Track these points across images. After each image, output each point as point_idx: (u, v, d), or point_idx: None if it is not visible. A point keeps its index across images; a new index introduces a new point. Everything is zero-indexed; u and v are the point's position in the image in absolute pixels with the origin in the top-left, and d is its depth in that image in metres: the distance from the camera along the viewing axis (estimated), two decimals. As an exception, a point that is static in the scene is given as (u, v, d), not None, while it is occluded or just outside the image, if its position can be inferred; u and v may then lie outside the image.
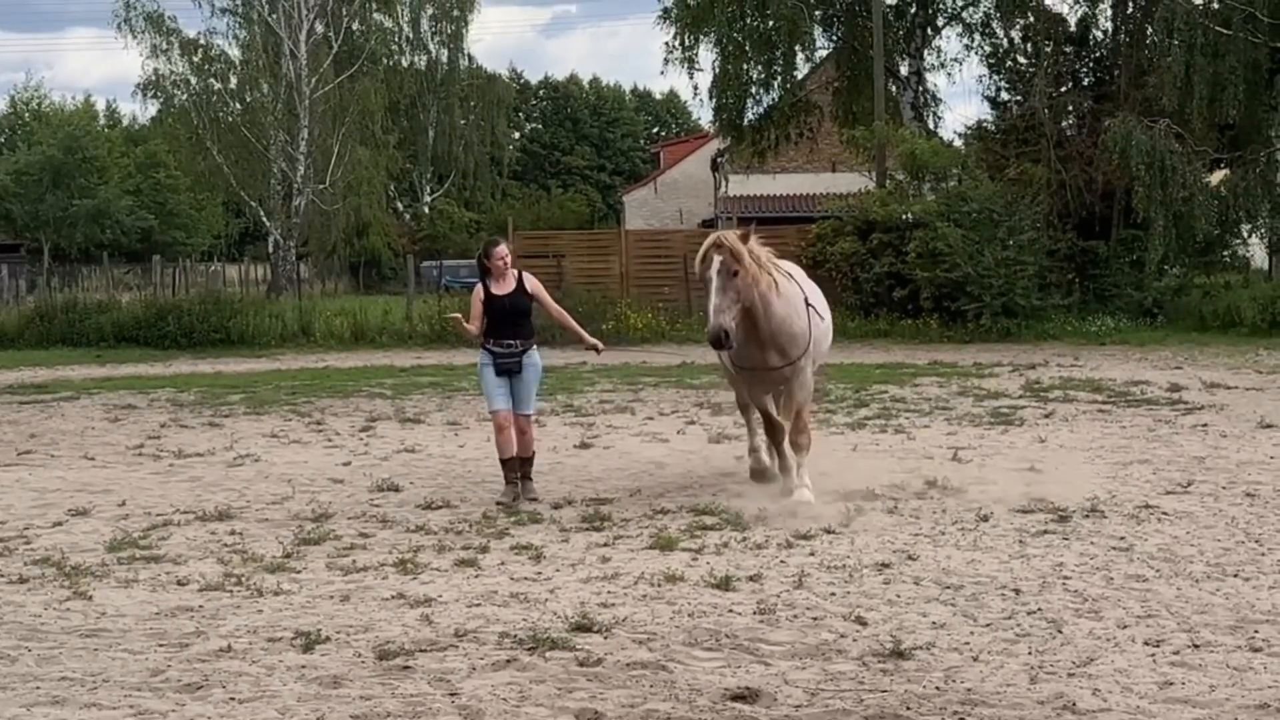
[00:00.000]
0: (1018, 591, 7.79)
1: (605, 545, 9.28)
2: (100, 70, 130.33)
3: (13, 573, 8.71)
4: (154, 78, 49.47)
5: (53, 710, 6.07)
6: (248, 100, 49.76)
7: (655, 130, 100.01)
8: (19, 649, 7.01)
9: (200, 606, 7.80)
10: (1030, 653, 6.64)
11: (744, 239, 10.25)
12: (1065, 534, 9.34)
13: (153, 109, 53.88)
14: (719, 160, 51.22)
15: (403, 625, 7.31)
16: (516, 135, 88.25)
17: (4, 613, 7.73)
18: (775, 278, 10.51)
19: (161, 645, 7.03)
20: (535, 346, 11.57)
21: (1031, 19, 34.28)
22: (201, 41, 49.84)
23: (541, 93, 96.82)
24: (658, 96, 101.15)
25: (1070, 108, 32.92)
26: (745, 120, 39.21)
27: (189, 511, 10.81)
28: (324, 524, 10.23)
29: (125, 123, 79.45)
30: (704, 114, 51.96)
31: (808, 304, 10.93)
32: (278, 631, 7.21)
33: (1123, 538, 9.18)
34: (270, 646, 6.96)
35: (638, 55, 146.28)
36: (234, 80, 50.20)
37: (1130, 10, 32.82)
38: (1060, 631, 6.99)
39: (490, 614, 7.51)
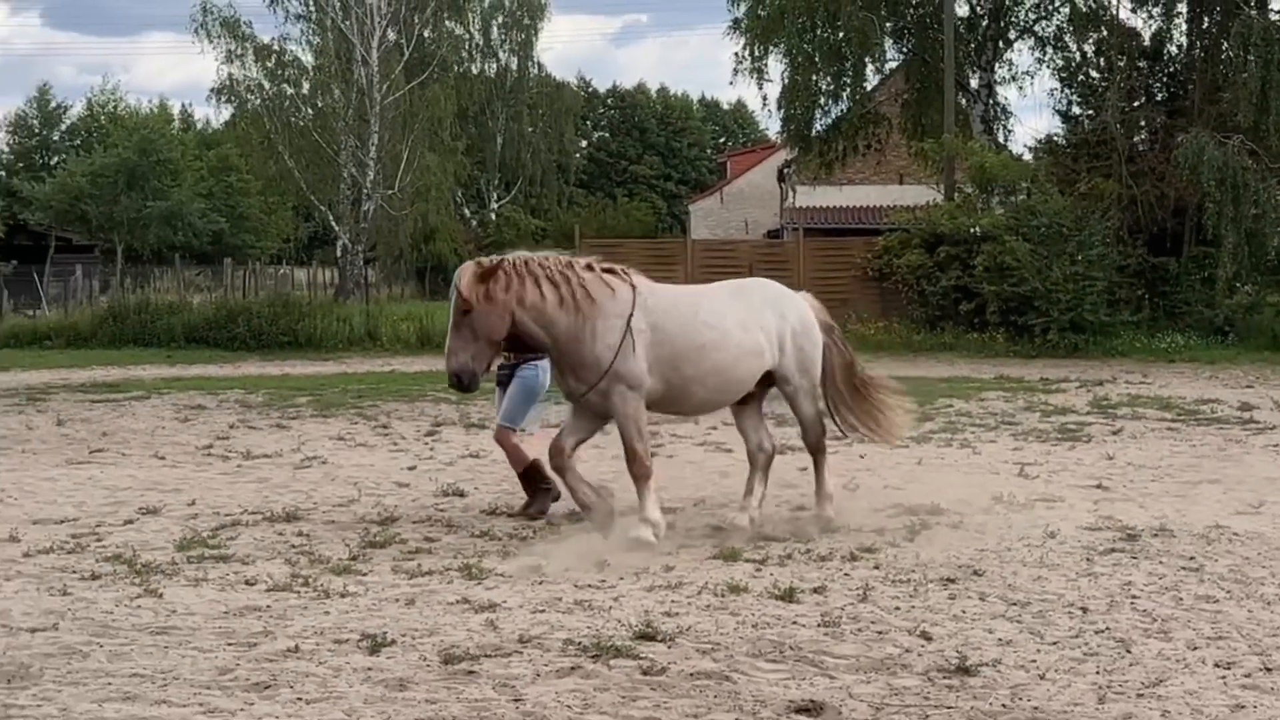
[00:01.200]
0: (1085, 610, 7.72)
1: (668, 554, 9.27)
2: (176, 74, 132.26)
3: (85, 569, 8.83)
4: (228, 82, 50.07)
5: (124, 706, 6.14)
6: (319, 105, 50.23)
7: (722, 140, 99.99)
8: (91, 645, 7.09)
9: (268, 606, 7.87)
10: (1098, 672, 6.58)
11: (487, 274, 9.60)
12: (1134, 553, 9.24)
13: (226, 113, 54.60)
14: (786, 171, 51.16)
15: (467, 630, 7.35)
16: (584, 143, 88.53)
17: (76, 608, 7.83)
18: (578, 299, 9.74)
19: (230, 644, 7.10)
20: (538, 363, 11.18)
21: (1105, 33, 34.06)
22: (275, 47, 50.39)
23: (609, 101, 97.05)
24: (725, 106, 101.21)
25: (1143, 123, 32.68)
26: (813, 131, 39.20)
27: (257, 512, 10.91)
28: (389, 527, 10.30)
29: (199, 126, 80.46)
30: (772, 124, 51.84)
31: (629, 324, 9.76)
32: (344, 633, 7.26)
33: (1192, 558, 9.07)
34: (337, 648, 7.01)
35: (707, 65, 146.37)
36: (306, 86, 50.71)
37: (1206, 25, 32.51)
38: (1129, 651, 6.92)
39: (554, 620, 7.53)
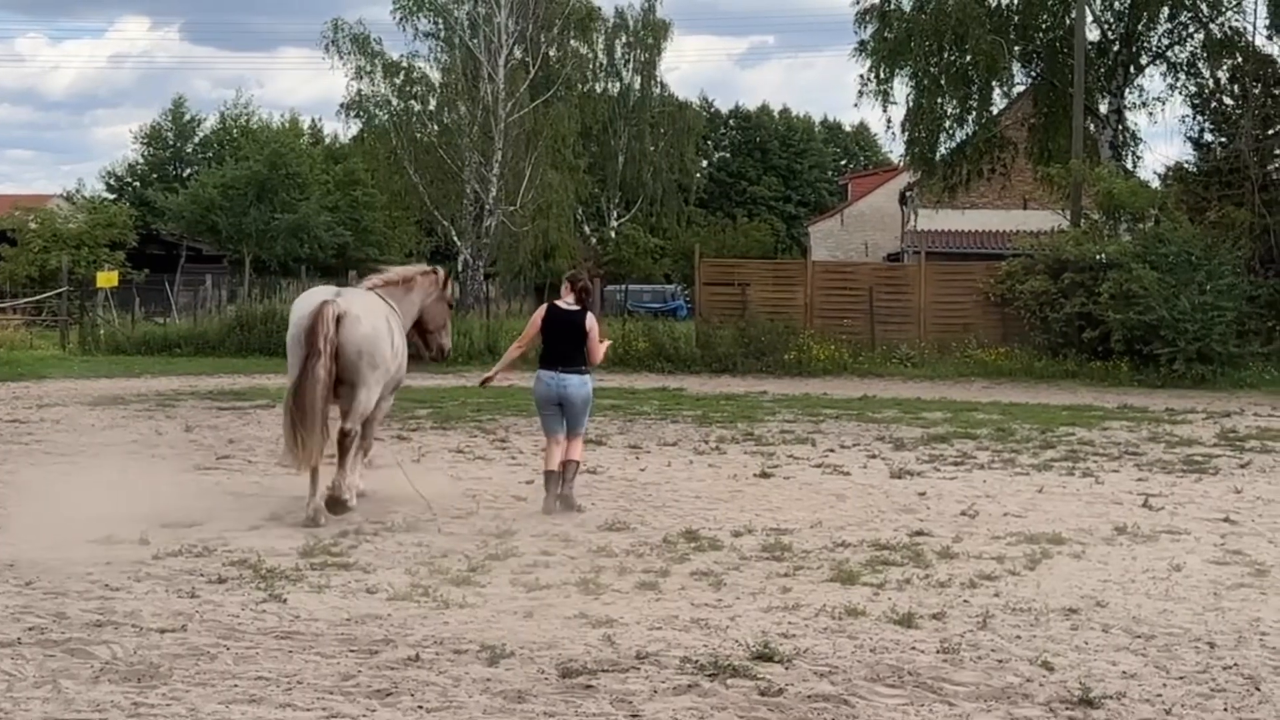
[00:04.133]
0: (1213, 645, 7.56)
1: (786, 575, 9.26)
2: (308, 90, 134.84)
3: (212, 573, 9.02)
4: (357, 98, 50.86)
5: (250, 708, 6.26)
6: (445, 122, 50.85)
7: (843, 162, 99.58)
8: (217, 647, 7.24)
9: (389, 615, 7.97)
10: (1226, 709, 6.44)
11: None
12: (1263, 588, 9.04)
13: (354, 128, 55.38)
14: (908, 194, 50.83)
15: (585, 644, 7.38)
16: (705, 163, 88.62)
17: (204, 611, 8.00)
18: None
19: (352, 651, 7.21)
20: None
21: (1240, 59, 33.43)
22: (404, 64, 51.12)
23: (731, 121, 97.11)
24: (847, 128, 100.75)
25: (1277, 151, 31.95)
26: (937, 154, 38.96)
27: (377, 522, 11.07)
28: (507, 540, 10.39)
29: (327, 141, 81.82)
30: (895, 147, 51.56)
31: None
32: (463, 644, 7.34)
33: (1324, 596, 8.86)
34: (456, 658, 7.08)
35: (832, 87, 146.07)
36: (433, 102, 51.36)
37: (1344, 52, 31.80)
38: (1258, 689, 6.77)
39: (671, 638, 7.54)
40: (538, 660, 7.06)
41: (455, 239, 51.43)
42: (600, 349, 12.23)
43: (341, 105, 51.91)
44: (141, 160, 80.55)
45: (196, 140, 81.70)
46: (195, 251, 59.94)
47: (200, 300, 43.89)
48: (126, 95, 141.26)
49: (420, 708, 6.29)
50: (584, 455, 12.58)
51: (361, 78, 50.47)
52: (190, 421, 18.77)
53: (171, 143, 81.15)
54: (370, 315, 11.56)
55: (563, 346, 11.96)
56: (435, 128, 51.03)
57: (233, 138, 76.62)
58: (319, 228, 65.16)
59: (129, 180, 78.98)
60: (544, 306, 12.40)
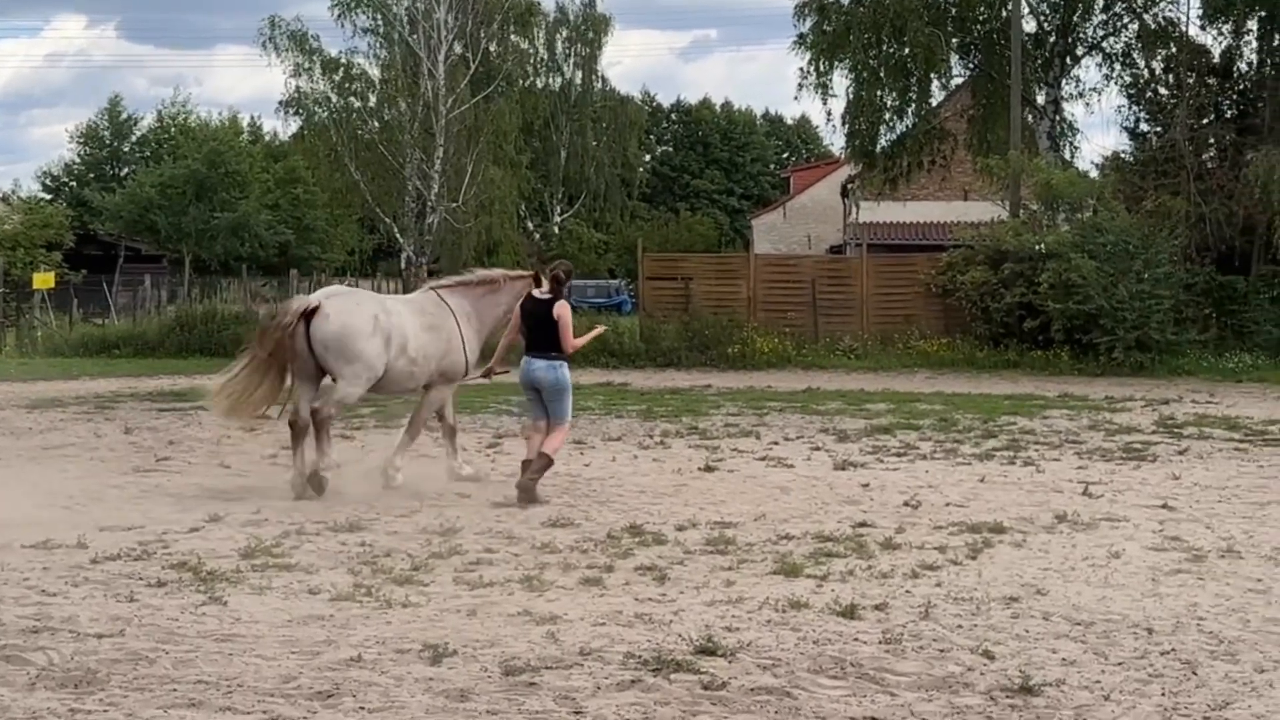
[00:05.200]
0: (1150, 631, 7.64)
1: (729, 569, 9.28)
2: (246, 87, 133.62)
3: (151, 576, 8.93)
4: (296, 95, 50.43)
5: (189, 713, 6.20)
6: (385, 119, 50.51)
7: (785, 155, 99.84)
8: (156, 651, 7.17)
9: (331, 615, 7.93)
10: (1164, 694, 6.51)
11: None
12: (1200, 574, 9.15)
13: (293, 126, 54.88)
14: (849, 186, 51.01)
15: (528, 641, 7.37)
16: (647, 158, 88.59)
17: (143, 615, 7.92)
18: None
19: (294, 652, 7.16)
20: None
21: (1174, 50, 33.77)
22: (343, 60, 50.75)
23: (673, 116, 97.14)
24: (789, 121, 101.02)
25: (1211, 140, 32.30)
26: (878, 147, 39.09)
27: (320, 521, 11.00)
28: (451, 538, 10.36)
29: (267, 138, 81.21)
30: (836, 140, 51.76)
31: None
32: (406, 643, 7.31)
33: (1259, 580, 8.97)
34: (399, 658, 7.05)
35: (774, 80, 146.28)
36: (373, 99, 51.00)
37: (1276, 43, 32.16)
38: (1195, 673, 6.85)
39: (615, 634, 7.54)
40: (481, 658, 7.04)
41: (398, 236, 51.14)
42: (574, 338, 12.41)
43: (280, 103, 51.43)
44: (78, 160, 79.65)
45: (134, 139, 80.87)
46: (134, 251, 59.32)
47: (139, 301, 43.50)
48: (62, 94, 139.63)
49: (362, 708, 6.26)
50: (557, 446, 12.53)
51: (300, 75, 50.00)
52: (130, 423, 18.59)
53: (108, 142, 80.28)
54: (343, 315, 12.52)
55: (535, 334, 12.35)
56: (376, 124, 50.65)
57: (170, 136, 75.90)
58: (260, 226, 64.67)
59: (65, 180, 78.09)
60: (524, 296, 12.84)
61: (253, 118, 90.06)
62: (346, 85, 50.58)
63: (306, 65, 50.09)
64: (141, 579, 8.86)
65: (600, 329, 13.40)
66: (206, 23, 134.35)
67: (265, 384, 12.84)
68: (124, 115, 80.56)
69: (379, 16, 50.49)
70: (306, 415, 12.68)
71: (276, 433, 17.56)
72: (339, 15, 50.68)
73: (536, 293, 12.58)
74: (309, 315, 12.52)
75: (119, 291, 46.29)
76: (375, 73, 51.23)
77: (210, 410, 13.32)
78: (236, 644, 7.33)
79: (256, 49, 80.00)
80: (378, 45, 51.20)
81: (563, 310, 12.30)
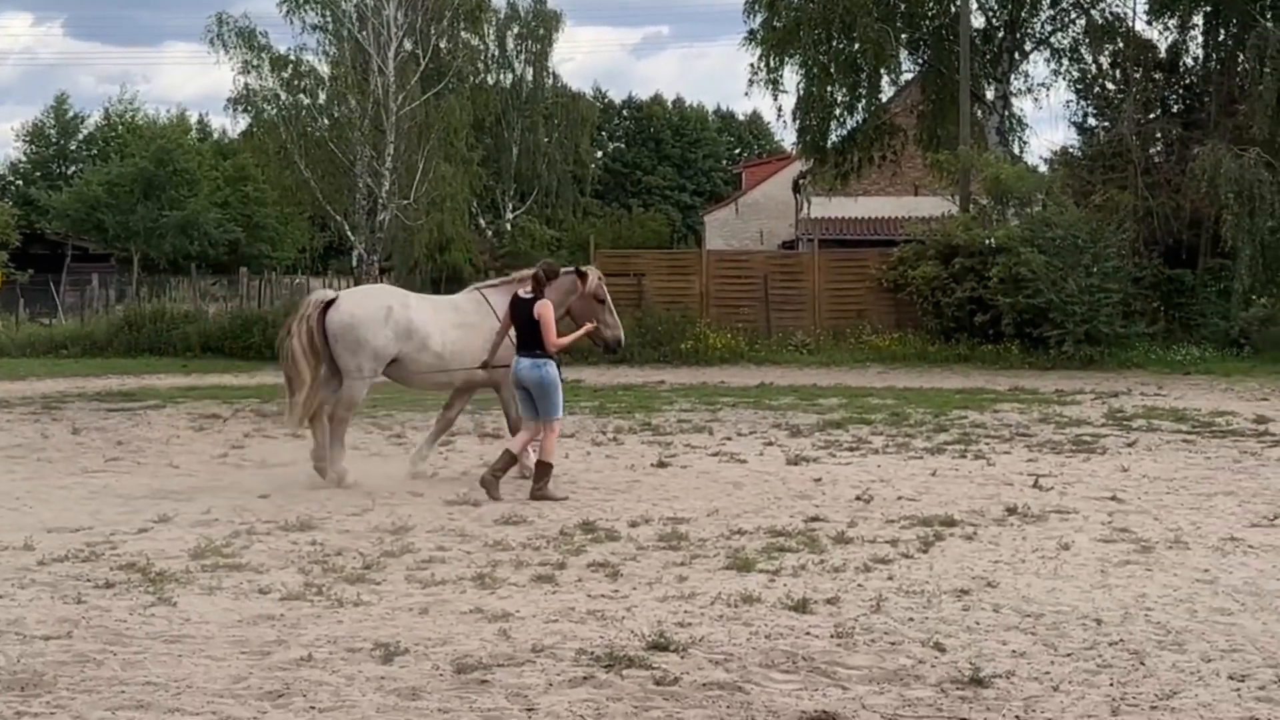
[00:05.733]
0: (1099, 622, 7.70)
1: (682, 564, 9.28)
2: (195, 85, 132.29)
3: (99, 577, 8.85)
4: (244, 92, 50.06)
5: (137, 714, 6.15)
6: (335, 116, 50.21)
7: (737, 151, 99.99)
8: (104, 653, 7.11)
9: (281, 615, 7.88)
10: (1112, 684, 6.56)
11: None
12: (1148, 565, 9.23)
13: (242, 123, 54.44)
14: (801, 182, 51.10)
15: (480, 639, 7.35)
16: (599, 154, 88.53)
17: (90, 616, 7.85)
18: None
19: (243, 653, 7.11)
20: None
21: (1121, 45, 34.04)
22: (291, 57, 50.42)
23: (625, 112, 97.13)
24: (740, 117, 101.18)
25: (1159, 135, 32.60)
26: (828, 142, 39.17)
27: (271, 521, 10.93)
28: (403, 537, 10.32)
29: (215, 136, 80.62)
30: (787, 136, 52.01)
31: None
32: (357, 642, 7.27)
33: (1207, 570, 9.06)
34: (350, 657, 7.02)
35: (726, 76, 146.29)
36: (322, 96, 50.67)
37: (1222, 37, 32.47)
38: (1143, 663, 6.91)
39: (567, 630, 7.53)
40: (432, 656, 7.01)
41: (349, 234, 50.83)
42: (557, 336, 12.38)
43: (229, 100, 51.11)
44: (24, 159, 78.75)
45: (81, 137, 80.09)
46: (81, 250, 58.75)
47: (87, 300, 43.03)
48: (8, 93, 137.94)
49: (313, 708, 6.22)
50: (549, 448, 12.43)
51: (248, 72, 49.56)
52: (77, 424, 18.41)
53: (55, 140, 79.41)
54: (353, 305, 13.17)
55: (522, 334, 12.45)
56: (325, 122, 50.32)
57: (118, 134, 75.21)
58: (209, 224, 64.14)
59: (11, 179, 77.23)
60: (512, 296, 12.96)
61: (201, 115, 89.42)
62: (295, 82, 50.22)
63: (255, 62, 49.70)
64: (89, 580, 8.78)
65: (589, 326, 13.31)
66: (154, 20, 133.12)
67: (313, 377, 13.07)
68: (71, 113, 79.77)
69: (328, 13, 50.18)
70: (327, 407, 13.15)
71: (226, 432, 17.51)
72: (287, 12, 50.34)
73: (521, 292, 12.61)
74: (327, 307, 13.13)
75: (66, 291, 45.81)
76: (324, 70, 50.91)
77: (289, 425, 13.70)
78: (185, 645, 7.27)
79: (204, 46, 79.16)
80: (327, 42, 50.87)
81: (543, 309, 12.32)
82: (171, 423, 18.66)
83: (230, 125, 79.03)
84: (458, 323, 13.40)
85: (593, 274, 13.87)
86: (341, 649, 7.16)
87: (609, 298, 14.02)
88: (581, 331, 13.32)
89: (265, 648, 7.20)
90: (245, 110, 51.03)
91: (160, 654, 7.10)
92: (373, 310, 13.14)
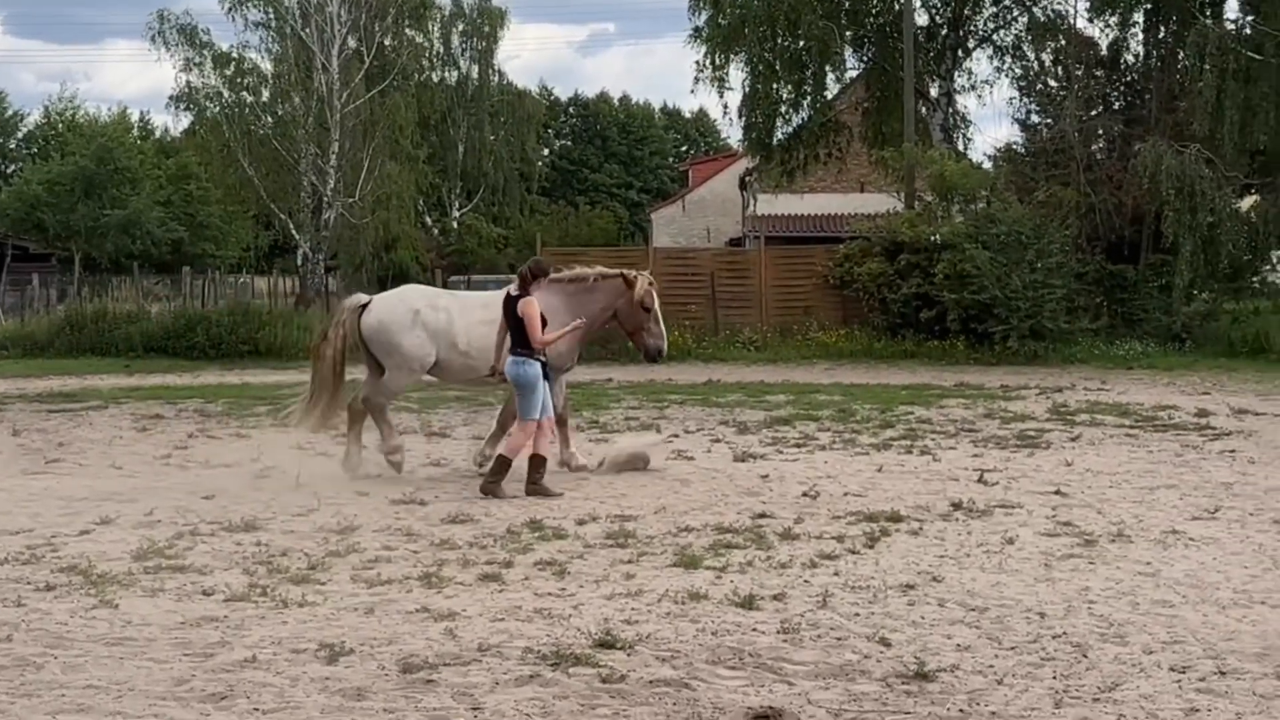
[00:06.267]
0: (1043, 615, 7.76)
1: (629, 562, 9.28)
2: (138, 82, 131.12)
3: (40, 580, 8.76)
4: (187, 90, 49.67)
5: (78, 718, 6.09)
6: (279, 113, 49.92)
7: (684, 148, 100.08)
8: (45, 656, 7.04)
9: (225, 617, 7.82)
10: (1055, 677, 6.61)
11: None
12: (1091, 558, 9.30)
13: (185, 121, 54.05)
14: (747, 179, 51.22)
15: (426, 639, 7.32)
16: (546, 152, 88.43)
17: (31, 619, 7.76)
18: None
19: (186, 655, 7.05)
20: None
21: (1063, 42, 34.26)
22: (234, 55, 50.07)
23: (571, 110, 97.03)
24: (687, 115, 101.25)
25: (1100, 131, 32.83)
26: (774, 140, 39.27)
27: (215, 522, 10.85)
28: (349, 536, 10.26)
29: (158, 135, 79.88)
30: (733, 133, 52.09)
31: None
32: (302, 643, 7.23)
33: (1149, 563, 9.14)
34: (294, 658, 6.98)
35: (673, 73, 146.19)
36: (266, 94, 50.36)
37: (1162, 35, 32.75)
38: (1085, 656, 6.96)
39: (514, 629, 7.52)
40: (378, 656, 6.98)
41: (294, 232, 50.56)
42: (541, 334, 12.36)
43: (171, 98, 50.66)
44: (-39, 157, 77.87)
45: (20, 135, 79.20)
46: (22, 250, 58.00)
47: (28, 300, 42.55)
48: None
49: (256, 710, 6.18)
50: (517, 446, 12.40)
51: (190, 69, 49.23)
52: (18, 425, 18.20)
53: (-8, 139, 78.58)
54: (382, 311, 13.53)
55: (511, 331, 12.50)
56: (269, 119, 50.02)
57: (59, 133, 74.40)
58: (151, 223, 63.54)
59: (-50, 178, 76.30)
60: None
61: (143, 113, 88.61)
62: (238, 80, 49.88)
63: (197, 60, 49.35)
64: (30, 583, 8.69)
65: (579, 322, 13.08)
66: (96, 17, 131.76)
67: (337, 385, 13.72)
68: (10, 111, 78.88)
69: (270, 10, 49.86)
70: (361, 403, 13.67)
71: (169, 433, 17.35)
72: (229, 9, 49.99)
73: (512, 289, 12.65)
74: (361, 311, 13.62)
75: (6, 291, 45.26)
76: (268, 67, 50.62)
77: (299, 427, 14.22)
78: (127, 647, 7.21)
79: (146, 44, 78.41)
80: (270, 39, 50.57)
81: (527, 307, 12.35)
82: (114, 423, 18.47)
83: (172, 123, 78.23)
84: (485, 320, 13.31)
85: (641, 281, 13.73)
86: (286, 650, 7.11)
87: (656, 305, 13.83)
88: (568, 329, 12.93)
89: (208, 649, 7.15)
90: (188, 108, 50.67)
91: (102, 657, 7.03)
92: (401, 314, 13.44)
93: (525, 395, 12.38)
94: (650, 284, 13.82)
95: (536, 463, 12.35)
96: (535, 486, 12.23)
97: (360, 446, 13.74)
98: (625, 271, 14.03)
